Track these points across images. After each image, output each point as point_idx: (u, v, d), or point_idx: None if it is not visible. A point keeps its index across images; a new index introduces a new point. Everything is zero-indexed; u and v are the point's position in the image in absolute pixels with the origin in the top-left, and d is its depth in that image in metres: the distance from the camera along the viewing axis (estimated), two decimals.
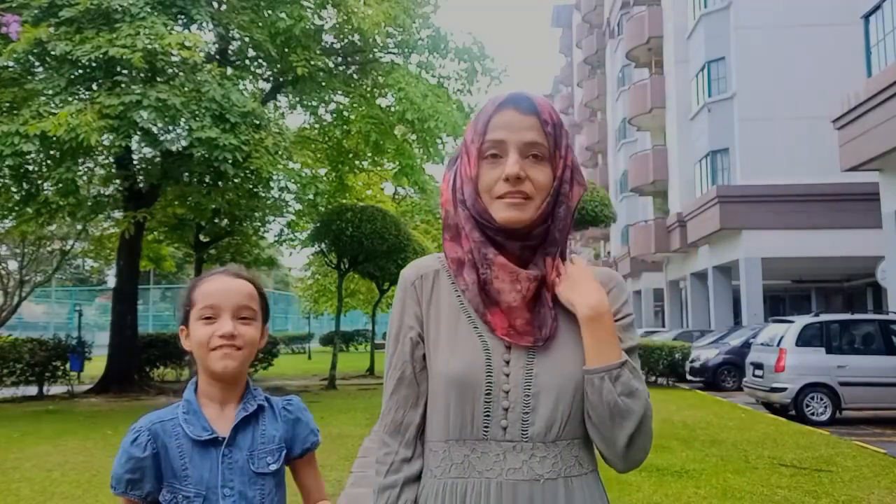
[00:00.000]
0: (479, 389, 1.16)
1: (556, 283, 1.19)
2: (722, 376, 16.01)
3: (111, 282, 24.65)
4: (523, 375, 1.16)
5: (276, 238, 18.61)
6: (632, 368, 1.15)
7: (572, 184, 1.22)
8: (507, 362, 1.17)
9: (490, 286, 1.17)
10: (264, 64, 14.62)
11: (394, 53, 15.38)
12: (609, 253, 43.21)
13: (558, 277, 1.20)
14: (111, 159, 13.64)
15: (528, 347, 1.17)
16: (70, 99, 10.54)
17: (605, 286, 1.22)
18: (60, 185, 11.19)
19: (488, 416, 1.15)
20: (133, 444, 1.33)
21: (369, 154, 16.13)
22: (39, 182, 11.99)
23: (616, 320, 1.20)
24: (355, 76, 15.78)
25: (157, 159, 13.77)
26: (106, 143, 11.30)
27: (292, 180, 13.23)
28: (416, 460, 1.23)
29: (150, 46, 10.09)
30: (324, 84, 14.39)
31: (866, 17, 14.23)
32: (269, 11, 13.09)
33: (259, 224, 17.78)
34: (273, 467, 1.40)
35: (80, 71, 10.83)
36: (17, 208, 12.71)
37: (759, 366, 11.83)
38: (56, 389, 14.04)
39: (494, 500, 1.13)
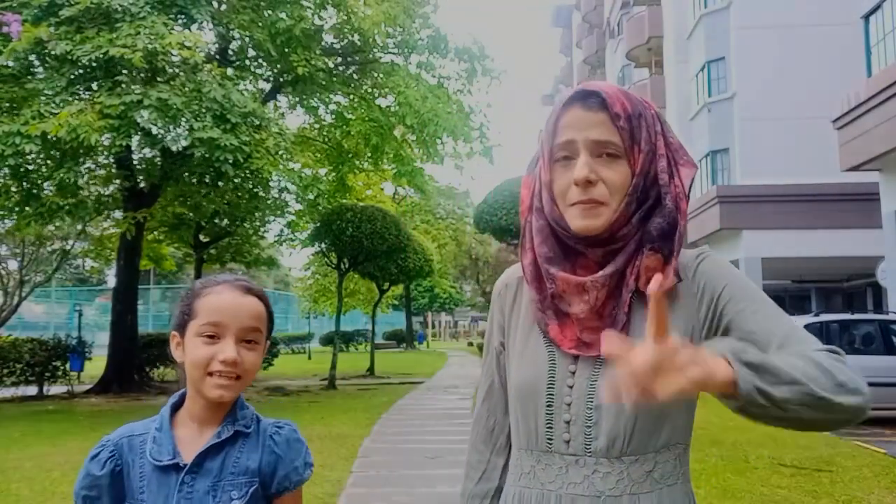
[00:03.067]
0: (541, 401, 1.14)
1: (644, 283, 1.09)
2: None
3: (111, 282, 24.65)
4: (587, 388, 1.11)
5: (276, 238, 18.62)
6: (755, 370, 0.92)
7: (675, 169, 1.14)
8: (573, 373, 1.13)
9: (559, 300, 1.13)
10: (264, 64, 14.62)
11: (394, 53, 15.37)
12: None
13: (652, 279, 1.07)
14: (111, 159, 13.64)
15: (595, 357, 1.11)
16: (70, 99, 10.54)
17: (686, 271, 1.12)
18: (61, 186, 11.20)
19: (550, 428, 1.13)
20: (93, 459, 1.24)
21: (369, 155, 16.15)
22: (40, 182, 12.00)
23: (716, 308, 1.09)
24: (355, 76, 15.79)
25: (158, 159, 13.78)
26: (106, 143, 11.30)
27: (293, 181, 13.23)
28: (506, 469, 1.26)
29: (150, 46, 10.08)
30: (324, 84, 14.39)
31: (866, 17, 14.23)
32: (269, 11, 13.09)
33: (259, 224, 17.79)
34: (236, 503, 1.23)
35: (81, 71, 10.83)
36: (16, 208, 12.72)
37: None
38: (56, 389, 14.04)
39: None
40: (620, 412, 1.08)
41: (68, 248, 18.40)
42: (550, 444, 1.13)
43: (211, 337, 1.23)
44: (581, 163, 1.08)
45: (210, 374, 1.22)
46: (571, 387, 1.12)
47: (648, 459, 1.10)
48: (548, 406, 1.13)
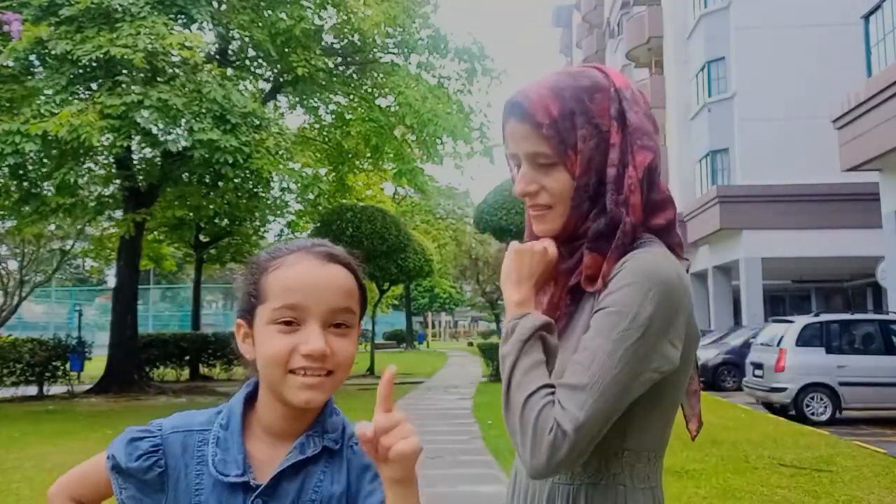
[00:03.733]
0: None
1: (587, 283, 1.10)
2: (722, 376, 16.01)
3: (111, 282, 24.65)
4: None
5: (276, 238, 18.64)
6: None
7: (630, 157, 1.08)
8: None
9: (541, 293, 1.19)
10: (264, 64, 14.63)
11: (394, 54, 15.38)
12: None
13: (588, 280, 1.09)
14: (111, 159, 13.64)
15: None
16: (70, 98, 10.55)
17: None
18: (61, 186, 11.20)
19: None
20: (131, 442, 0.99)
21: (369, 155, 16.16)
22: (39, 181, 12.00)
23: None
24: (355, 76, 15.80)
25: (157, 160, 13.79)
26: (107, 143, 11.31)
27: (294, 181, 13.24)
28: None
29: (150, 47, 10.09)
30: (324, 84, 14.40)
31: (866, 17, 14.23)
32: (270, 11, 13.10)
33: (259, 224, 17.81)
34: None
35: (81, 70, 10.84)
36: (16, 207, 12.73)
37: (759, 366, 11.83)
38: (56, 389, 14.03)
39: (514, 479, 1.21)
40: None
41: (68, 248, 18.41)
42: None
43: (289, 324, 0.93)
44: (518, 176, 1.12)
45: (292, 371, 0.93)
46: None
47: None
48: None
